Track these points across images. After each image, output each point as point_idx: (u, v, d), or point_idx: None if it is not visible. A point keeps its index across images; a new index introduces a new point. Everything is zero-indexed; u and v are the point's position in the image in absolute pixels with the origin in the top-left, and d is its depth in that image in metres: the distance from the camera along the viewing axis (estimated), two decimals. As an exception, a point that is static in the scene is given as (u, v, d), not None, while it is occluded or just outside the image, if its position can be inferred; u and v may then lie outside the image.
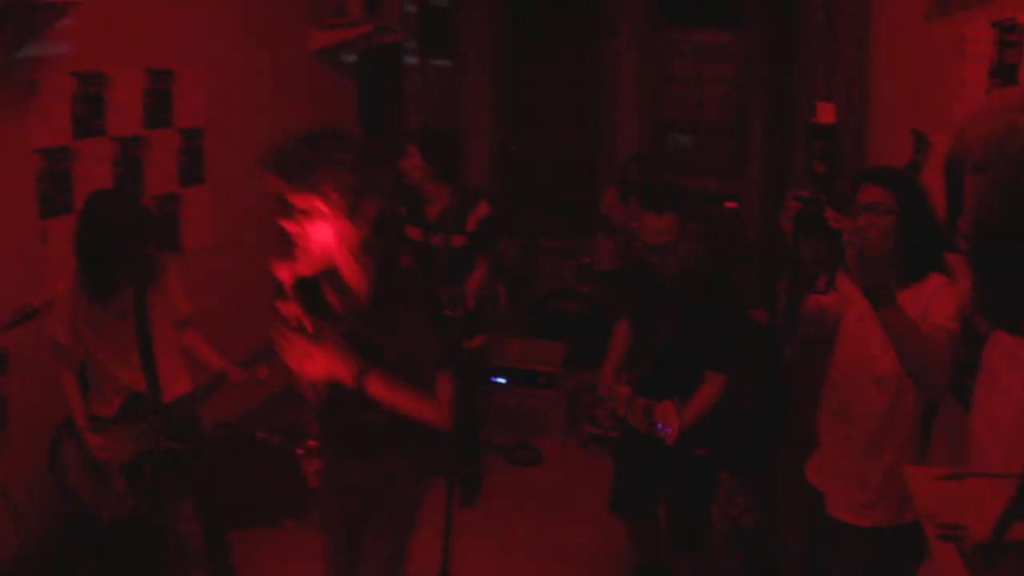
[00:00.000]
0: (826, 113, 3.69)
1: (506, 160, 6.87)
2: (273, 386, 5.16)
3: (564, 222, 7.87)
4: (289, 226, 2.25)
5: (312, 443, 3.91)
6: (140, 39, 4.42)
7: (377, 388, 2.28)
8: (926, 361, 2.23)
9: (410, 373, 2.37)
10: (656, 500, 3.61)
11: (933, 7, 3.22)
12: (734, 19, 8.26)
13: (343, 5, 5.84)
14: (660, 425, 3.18)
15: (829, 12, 4.31)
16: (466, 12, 8.66)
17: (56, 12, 3.60)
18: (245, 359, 3.39)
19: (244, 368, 3.37)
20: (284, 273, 2.21)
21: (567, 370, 5.67)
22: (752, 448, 4.40)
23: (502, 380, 5.67)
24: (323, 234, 2.24)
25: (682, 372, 3.33)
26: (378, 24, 6.03)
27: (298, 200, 2.22)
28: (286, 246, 2.26)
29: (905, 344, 2.22)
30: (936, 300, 2.38)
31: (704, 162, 8.61)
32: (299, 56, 5.86)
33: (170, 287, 3.58)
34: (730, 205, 7.42)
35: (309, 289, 2.37)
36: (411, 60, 7.49)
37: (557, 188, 8.63)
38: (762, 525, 4.25)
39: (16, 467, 3.48)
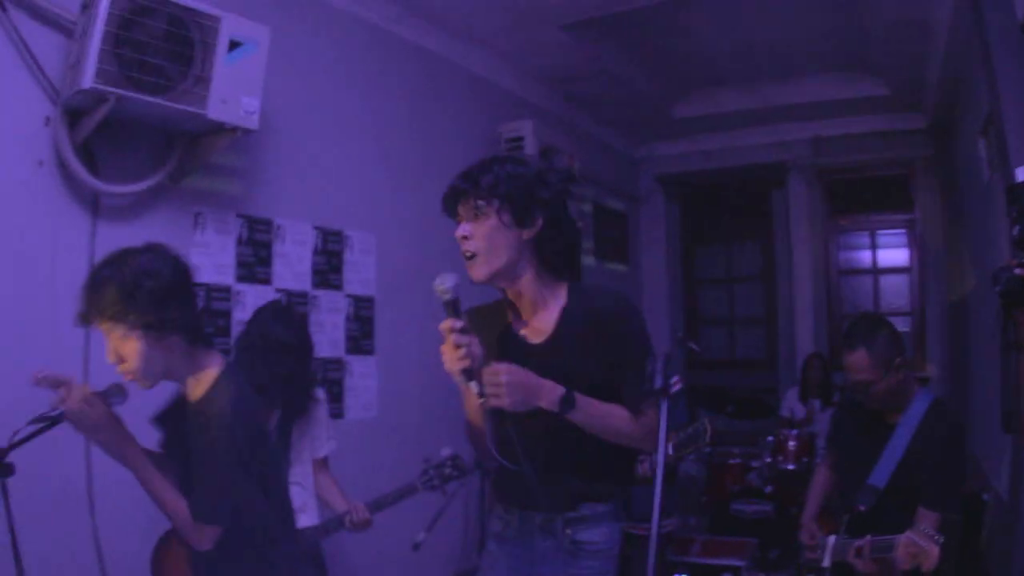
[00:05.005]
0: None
1: (686, 358, 6.44)
2: None
3: (746, 423, 7.44)
4: (463, 229, 2.19)
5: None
6: (310, 196, 4.31)
7: (581, 411, 2.08)
8: None
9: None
10: None
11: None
12: (905, 203, 7.92)
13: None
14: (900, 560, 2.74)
15: (993, 159, 3.85)
16: (641, 216, 8.64)
17: (225, 137, 3.39)
18: (371, 503, 3.34)
19: (370, 510, 3.32)
20: (450, 282, 2.06)
21: (753, 569, 5.18)
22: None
23: (684, 576, 5.22)
24: (497, 235, 2.16)
25: (897, 514, 2.96)
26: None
27: (472, 205, 2.18)
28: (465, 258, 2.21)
29: None
30: None
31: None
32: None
33: (318, 423, 3.43)
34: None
35: (488, 313, 2.35)
36: (588, 261, 7.24)
37: (737, 388, 8.23)
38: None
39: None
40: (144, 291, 2.03)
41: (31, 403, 2.95)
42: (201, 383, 2.13)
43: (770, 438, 6.26)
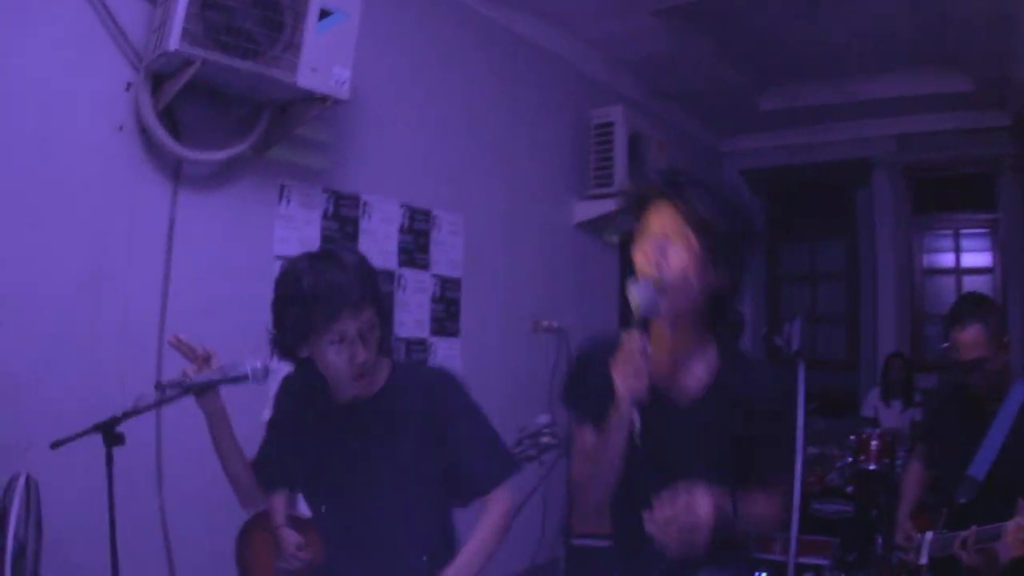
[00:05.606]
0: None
1: (768, 355, 6.20)
2: None
3: (826, 421, 7.17)
4: (660, 248, 1.77)
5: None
6: (398, 173, 4.25)
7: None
8: None
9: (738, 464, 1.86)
10: None
11: None
12: (989, 202, 7.73)
13: (608, 176, 5.62)
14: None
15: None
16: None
17: (314, 107, 3.32)
18: None
19: None
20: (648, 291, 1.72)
21: (835, 569, 4.99)
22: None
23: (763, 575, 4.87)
24: (693, 272, 1.76)
25: (997, 506, 2.74)
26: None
27: (673, 217, 1.78)
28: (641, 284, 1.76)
29: None
30: None
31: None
32: (563, 226, 5.55)
33: None
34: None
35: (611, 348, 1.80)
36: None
37: (818, 386, 7.90)
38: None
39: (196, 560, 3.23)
40: (374, 272, 1.99)
41: (106, 367, 2.95)
42: (377, 379, 2.06)
43: (852, 437, 6.11)
